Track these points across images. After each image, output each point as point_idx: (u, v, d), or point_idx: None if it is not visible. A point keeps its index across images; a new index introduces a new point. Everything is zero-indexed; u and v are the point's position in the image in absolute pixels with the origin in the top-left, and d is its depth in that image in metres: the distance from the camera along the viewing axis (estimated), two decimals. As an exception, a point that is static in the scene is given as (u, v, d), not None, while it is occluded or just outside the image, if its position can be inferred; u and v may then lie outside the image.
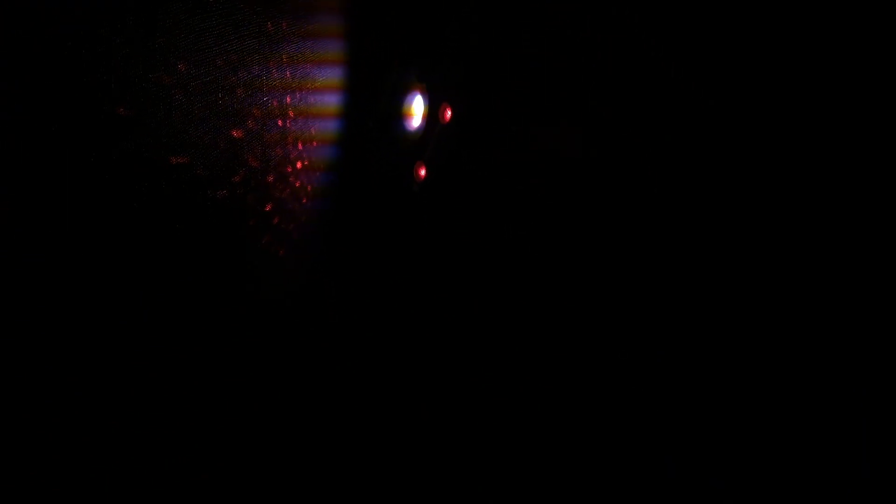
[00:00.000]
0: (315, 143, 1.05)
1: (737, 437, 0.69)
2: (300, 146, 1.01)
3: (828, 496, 0.63)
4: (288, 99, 0.95)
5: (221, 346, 0.90)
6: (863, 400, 0.62)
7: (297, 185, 1.01)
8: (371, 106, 1.15)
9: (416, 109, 1.12)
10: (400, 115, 1.14)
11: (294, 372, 1.10)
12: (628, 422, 0.77)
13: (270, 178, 0.93)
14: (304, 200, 1.04)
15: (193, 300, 0.82)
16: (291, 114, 0.97)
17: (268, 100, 0.90)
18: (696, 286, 0.73)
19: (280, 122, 0.94)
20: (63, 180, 0.61)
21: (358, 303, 1.17)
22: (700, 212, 0.74)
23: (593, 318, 0.84)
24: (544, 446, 0.86)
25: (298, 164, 1.01)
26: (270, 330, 1.01)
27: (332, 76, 1.08)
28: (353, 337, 1.16)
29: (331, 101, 1.10)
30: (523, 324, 0.94)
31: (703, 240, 0.73)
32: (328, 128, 1.10)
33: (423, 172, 1.08)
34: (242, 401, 0.97)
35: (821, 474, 0.64)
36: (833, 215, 0.65)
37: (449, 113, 1.03)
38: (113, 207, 0.67)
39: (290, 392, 1.10)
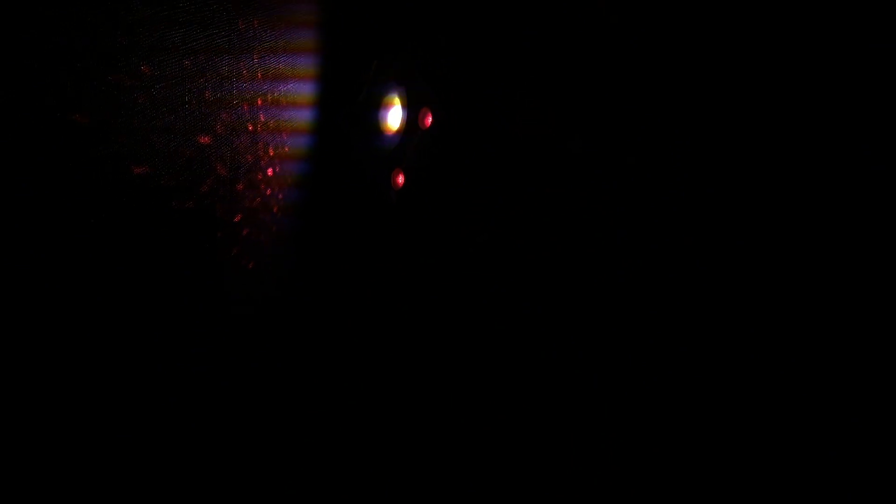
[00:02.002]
0: (287, 149, 0.99)
1: (737, 438, 0.69)
2: (271, 152, 0.95)
3: (828, 496, 0.63)
4: (259, 101, 0.89)
5: (190, 365, 0.84)
6: (863, 400, 0.63)
7: (269, 193, 0.95)
8: (347, 110, 1.09)
9: (395, 114, 1.06)
10: (377, 120, 1.08)
11: (267, 391, 1.04)
12: (626, 421, 0.77)
13: (240, 187, 0.87)
14: (276, 210, 0.98)
15: (159, 319, 0.76)
16: (262, 118, 0.91)
17: (238, 103, 0.84)
18: (687, 286, 0.73)
19: (250, 127, 0.88)
20: (14, 194, 0.54)
21: (333, 318, 1.11)
22: (692, 215, 0.73)
23: (582, 332, 0.82)
24: (528, 454, 0.85)
25: (269, 172, 0.94)
26: (241, 347, 0.95)
27: (305, 74, 1.02)
28: (329, 354, 1.11)
29: (304, 105, 1.04)
30: (507, 340, 0.91)
31: (693, 241, 0.73)
32: (301, 133, 1.04)
33: (401, 180, 1.03)
34: (212, 423, 0.91)
35: (821, 474, 0.64)
36: (829, 212, 0.65)
37: (430, 118, 0.98)
38: (70, 223, 0.60)
39: (262, 411, 1.04)
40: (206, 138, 0.77)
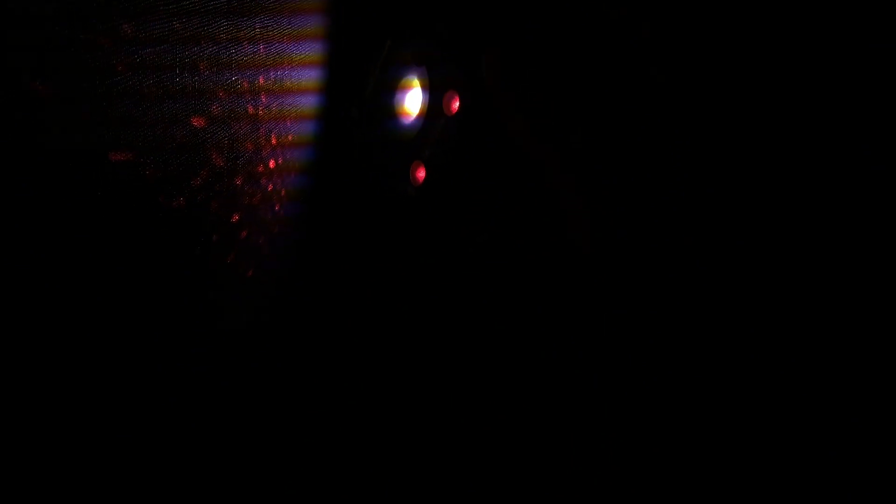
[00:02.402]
0: (291, 137, 0.85)
1: (737, 437, 0.68)
2: (274, 140, 0.81)
3: (828, 496, 0.63)
4: (261, 79, 0.75)
5: (180, 390, 0.70)
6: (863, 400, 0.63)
7: (270, 188, 0.81)
8: (359, 92, 0.96)
9: (414, 98, 0.93)
10: (392, 106, 0.95)
11: (268, 392, 0.92)
12: (627, 421, 0.75)
13: (238, 181, 0.73)
14: (278, 208, 0.84)
15: (142, 338, 0.62)
16: (264, 99, 0.77)
17: (237, 80, 0.70)
18: (687, 286, 0.71)
19: (251, 109, 0.74)
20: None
21: (342, 333, 0.99)
22: (692, 215, 0.71)
23: (582, 332, 0.79)
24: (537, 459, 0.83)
25: (272, 163, 0.81)
26: (237, 368, 0.81)
27: (312, 53, 0.88)
28: (329, 354, 1.01)
29: (311, 85, 0.90)
30: (507, 339, 0.86)
31: (693, 241, 0.71)
32: (307, 119, 0.90)
33: (421, 174, 0.89)
34: (212, 423, 0.80)
35: (820, 474, 0.63)
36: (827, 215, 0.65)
37: (457, 103, 0.85)
38: (27, 221, 0.46)
39: (263, 411, 0.94)
40: (199, 121, 0.63)
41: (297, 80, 0.86)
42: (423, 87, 0.90)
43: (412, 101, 0.93)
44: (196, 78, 0.62)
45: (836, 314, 0.64)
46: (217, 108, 0.66)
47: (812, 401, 0.65)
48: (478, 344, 0.89)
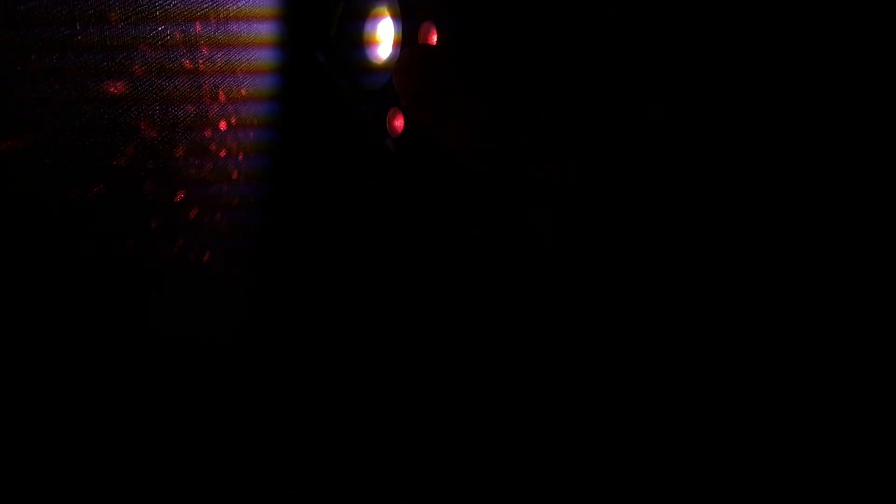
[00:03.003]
0: (245, 92, 0.73)
1: (737, 438, 0.68)
2: (222, 97, 0.68)
3: (828, 496, 0.63)
4: (198, 27, 0.63)
5: (125, 412, 0.60)
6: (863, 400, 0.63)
7: (224, 154, 0.69)
8: (323, 32, 0.83)
9: (385, 33, 0.80)
10: (363, 44, 0.82)
11: (268, 391, 0.86)
12: (627, 422, 0.74)
13: (179, 152, 0.61)
14: (236, 176, 0.72)
15: (71, 354, 0.52)
16: (205, 49, 0.64)
17: (165, 29, 0.57)
18: (687, 286, 0.69)
19: (188, 64, 0.61)
20: None
21: (318, 317, 0.92)
22: (692, 215, 0.69)
23: (582, 331, 0.77)
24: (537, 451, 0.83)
25: (223, 125, 0.69)
26: (194, 379, 0.72)
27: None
28: (325, 350, 0.95)
29: (263, 27, 0.77)
30: (506, 339, 0.84)
31: (693, 241, 0.69)
32: (264, 66, 0.77)
33: (399, 123, 0.78)
34: (212, 423, 0.74)
35: (820, 474, 0.64)
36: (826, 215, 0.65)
37: (434, 35, 0.73)
38: None
39: (263, 410, 0.88)
40: (117, 86, 0.51)
41: (248, 21, 0.73)
42: (395, 20, 0.77)
43: (383, 37, 0.81)
44: (106, 31, 0.50)
45: (837, 315, 0.64)
46: (140, 66, 0.54)
47: (812, 401, 0.65)
48: (477, 343, 0.86)
